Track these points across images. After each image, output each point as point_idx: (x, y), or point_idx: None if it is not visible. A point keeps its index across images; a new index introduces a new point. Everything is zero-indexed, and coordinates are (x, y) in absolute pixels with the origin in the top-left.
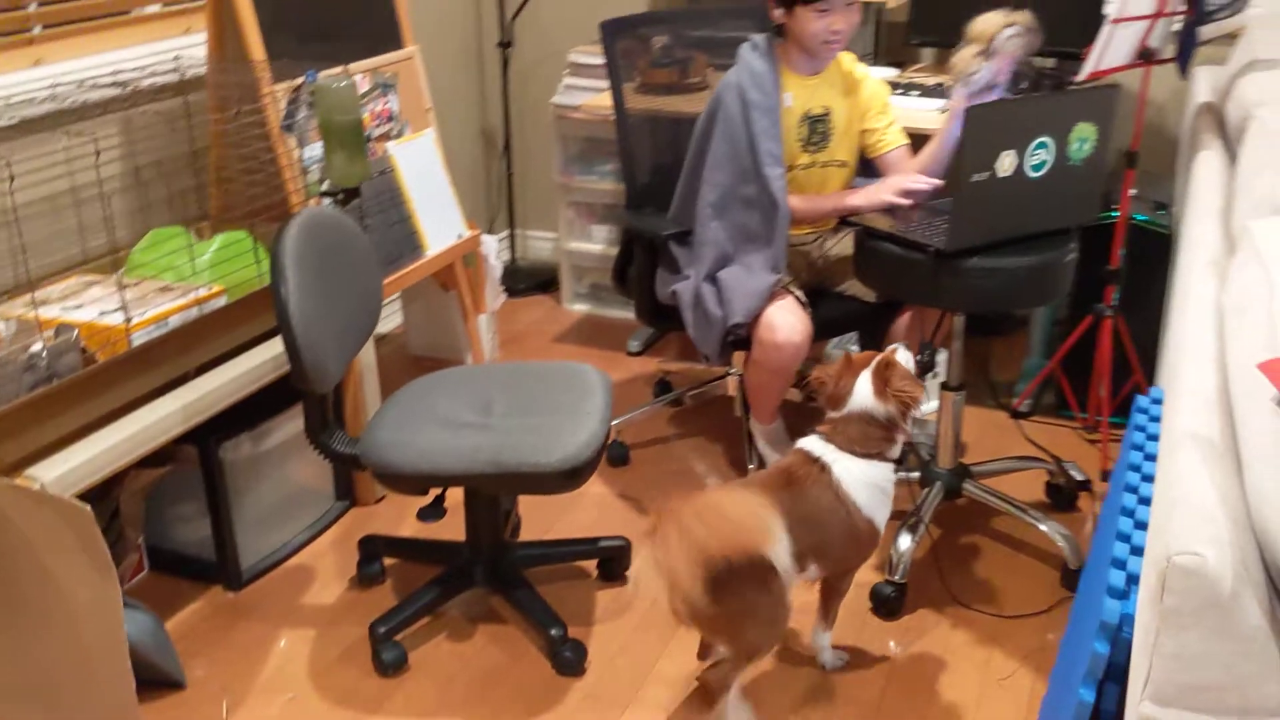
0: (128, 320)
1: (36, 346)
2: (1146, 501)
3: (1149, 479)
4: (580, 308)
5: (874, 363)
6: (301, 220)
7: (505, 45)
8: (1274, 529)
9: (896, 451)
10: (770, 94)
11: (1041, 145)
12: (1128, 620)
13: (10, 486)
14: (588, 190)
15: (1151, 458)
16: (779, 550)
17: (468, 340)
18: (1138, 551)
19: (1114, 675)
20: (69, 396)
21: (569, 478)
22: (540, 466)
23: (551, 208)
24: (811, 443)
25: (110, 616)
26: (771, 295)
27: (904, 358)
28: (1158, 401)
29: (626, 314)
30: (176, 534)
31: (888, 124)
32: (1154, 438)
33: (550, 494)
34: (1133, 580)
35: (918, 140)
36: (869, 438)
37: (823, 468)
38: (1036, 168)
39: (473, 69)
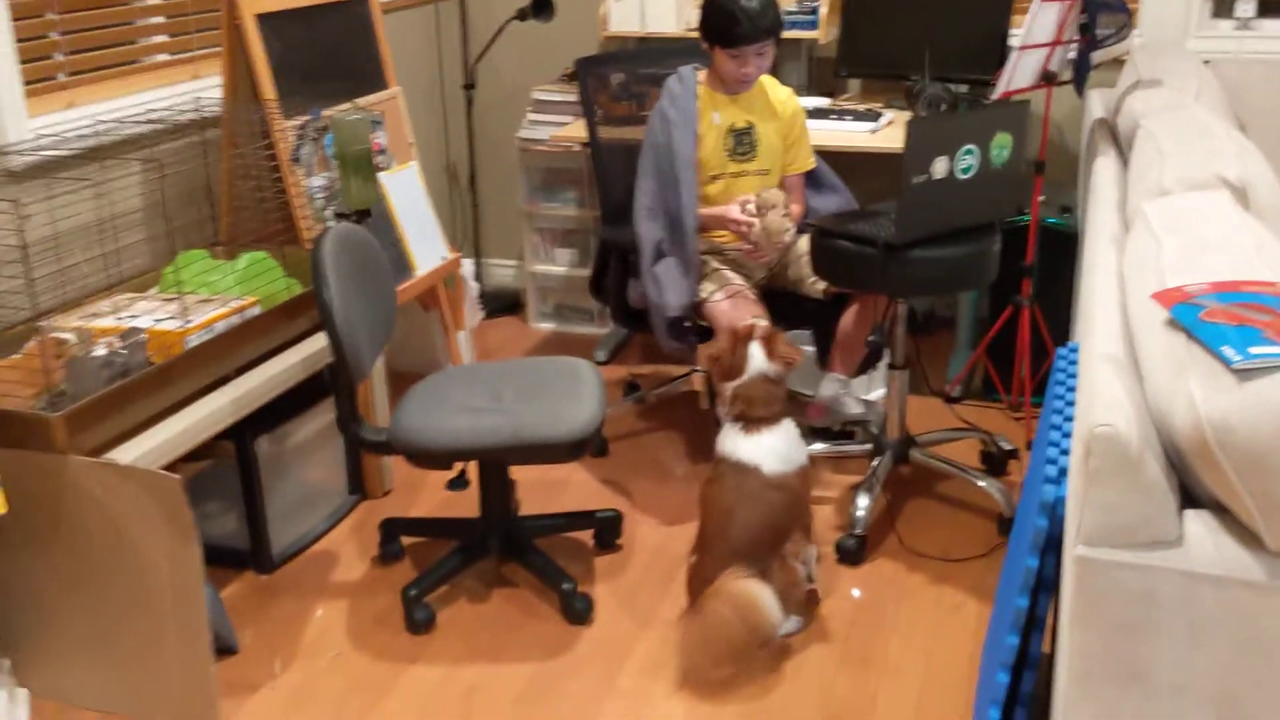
0: (185, 325)
1: (101, 350)
2: (1070, 419)
3: (1071, 404)
4: (546, 325)
5: (756, 333)
6: (334, 235)
7: (469, 87)
8: (1165, 412)
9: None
10: (686, 112)
11: (969, 152)
12: (1060, 502)
13: (98, 464)
14: (551, 216)
15: (1072, 389)
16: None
17: (448, 355)
18: (1064, 453)
19: (1050, 548)
20: (141, 390)
21: (576, 448)
22: (553, 439)
23: (510, 236)
24: (735, 445)
25: (192, 582)
26: (730, 293)
27: (767, 328)
28: (1074, 350)
29: (590, 329)
30: (206, 528)
31: (796, 149)
32: (1073, 376)
33: (559, 463)
34: (1062, 473)
35: (853, 155)
36: (772, 397)
37: (754, 471)
38: (965, 170)
39: (436, 110)
